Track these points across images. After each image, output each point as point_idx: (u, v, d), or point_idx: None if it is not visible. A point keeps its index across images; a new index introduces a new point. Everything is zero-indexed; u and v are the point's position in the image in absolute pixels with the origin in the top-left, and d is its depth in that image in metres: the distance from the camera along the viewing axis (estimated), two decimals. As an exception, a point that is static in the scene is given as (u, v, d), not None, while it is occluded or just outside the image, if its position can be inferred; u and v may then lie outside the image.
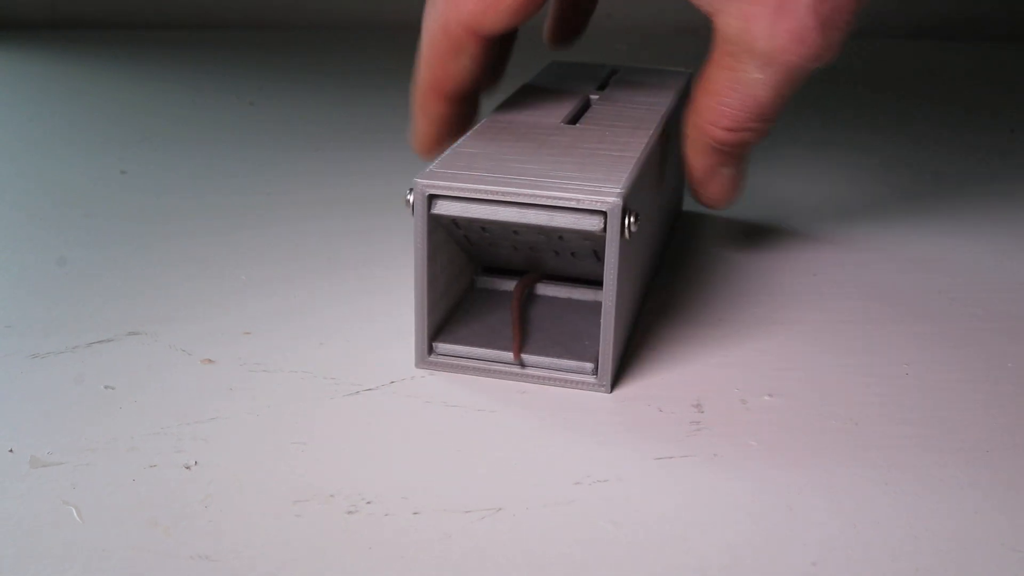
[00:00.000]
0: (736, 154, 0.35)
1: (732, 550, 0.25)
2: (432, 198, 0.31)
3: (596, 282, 0.35)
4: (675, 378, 0.33)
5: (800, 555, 0.25)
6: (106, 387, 0.32)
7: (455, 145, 0.34)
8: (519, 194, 0.30)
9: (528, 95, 0.40)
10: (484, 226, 0.33)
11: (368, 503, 0.27)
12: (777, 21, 0.30)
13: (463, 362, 0.33)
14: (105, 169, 0.51)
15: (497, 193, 0.31)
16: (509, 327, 0.34)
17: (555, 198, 0.30)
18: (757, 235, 0.44)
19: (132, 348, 0.34)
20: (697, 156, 0.36)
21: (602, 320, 0.31)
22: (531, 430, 0.30)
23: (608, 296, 0.31)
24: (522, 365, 0.32)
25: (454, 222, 0.33)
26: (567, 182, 0.31)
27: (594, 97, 0.40)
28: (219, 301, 0.38)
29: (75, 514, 0.26)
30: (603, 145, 0.34)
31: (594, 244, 0.33)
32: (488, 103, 0.39)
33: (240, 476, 0.28)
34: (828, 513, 0.27)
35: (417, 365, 0.33)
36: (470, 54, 0.35)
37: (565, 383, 0.32)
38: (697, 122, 0.35)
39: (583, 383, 0.32)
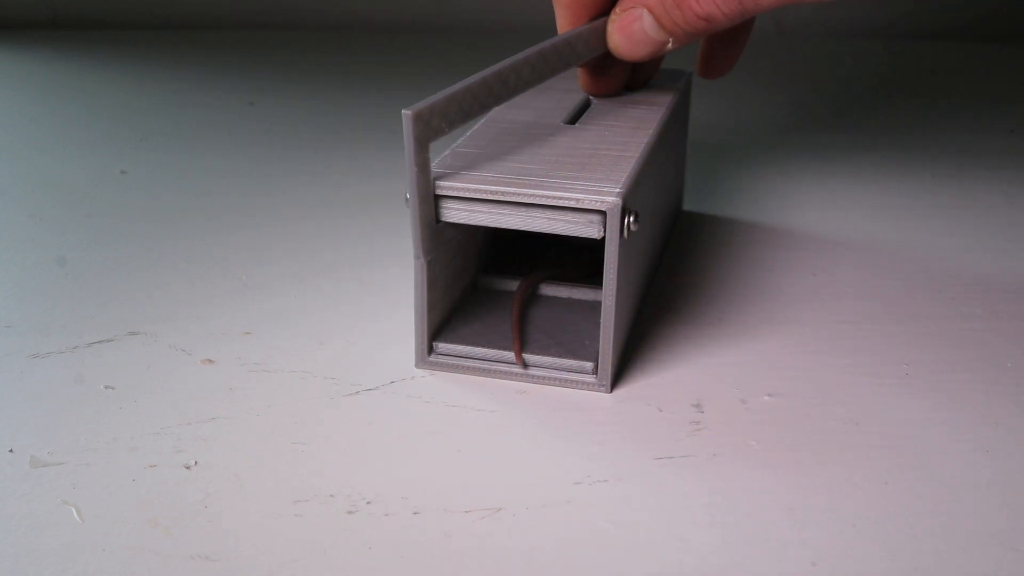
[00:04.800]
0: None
1: (732, 550, 0.25)
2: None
3: (596, 282, 0.35)
4: (675, 378, 0.33)
5: (800, 555, 0.25)
6: (106, 387, 0.32)
7: (455, 145, 0.34)
8: (519, 194, 0.30)
9: (528, 95, 0.40)
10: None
11: (368, 503, 0.27)
12: None
13: (463, 362, 0.33)
14: (105, 169, 0.51)
15: (497, 193, 0.31)
16: (509, 326, 0.34)
17: (555, 198, 0.30)
18: (757, 233, 0.44)
19: (132, 348, 0.34)
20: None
21: (602, 320, 0.31)
22: (531, 430, 0.30)
23: (608, 296, 0.31)
24: (524, 366, 0.32)
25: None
26: (567, 182, 0.31)
27: (594, 97, 0.40)
28: (219, 301, 0.38)
29: (75, 514, 0.26)
30: (603, 145, 0.34)
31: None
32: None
33: (240, 476, 0.28)
34: (828, 513, 0.27)
35: (417, 365, 0.33)
36: None
37: (565, 383, 0.32)
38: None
39: (583, 383, 0.32)
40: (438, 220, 0.31)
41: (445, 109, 0.30)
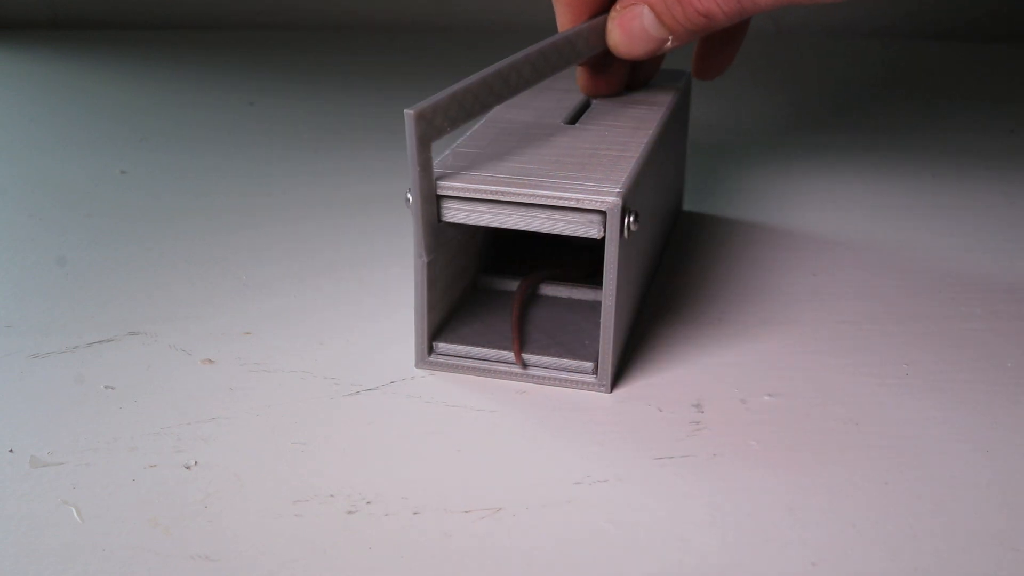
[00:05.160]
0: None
1: (732, 550, 0.25)
2: (432, 198, 0.31)
3: (596, 282, 0.35)
4: (675, 378, 0.33)
5: (800, 555, 0.25)
6: (106, 387, 0.32)
7: (455, 145, 0.34)
8: (520, 194, 0.30)
9: (528, 95, 0.40)
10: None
11: (368, 503, 0.27)
12: None
13: (463, 362, 0.33)
14: (105, 169, 0.51)
15: (498, 193, 0.31)
16: (509, 326, 0.34)
17: (555, 198, 0.30)
18: (757, 234, 0.44)
19: (132, 348, 0.34)
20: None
21: (602, 320, 0.31)
22: (531, 430, 0.30)
23: (608, 296, 0.31)
24: (524, 366, 0.32)
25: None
26: (567, 182, 0.31)
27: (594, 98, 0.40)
28: (219, 301, 0.38)
29: (75, 514, 0.26)
30: (603, 145, 0.34)
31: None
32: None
33: (240, 476, 0.28)
34: (828, 513, 0.27)
35: (417, 365, 0.33)
36: None
37: (565, 383, 0.32)
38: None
39: (583, 383, 0.32)
40: (439, 220, 0.31)
41: (447, 108, 0.30)
